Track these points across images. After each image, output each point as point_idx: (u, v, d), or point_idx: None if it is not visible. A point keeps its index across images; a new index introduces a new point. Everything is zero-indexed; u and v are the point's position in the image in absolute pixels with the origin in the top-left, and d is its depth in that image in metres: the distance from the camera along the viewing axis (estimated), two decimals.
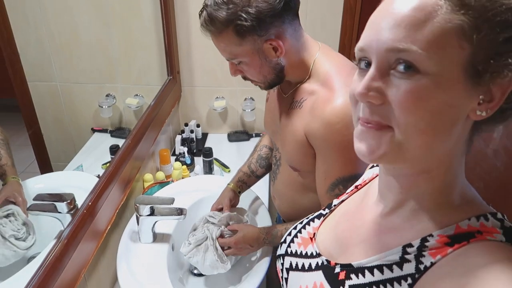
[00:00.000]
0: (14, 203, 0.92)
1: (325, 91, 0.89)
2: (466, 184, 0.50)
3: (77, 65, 1.36)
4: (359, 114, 0.47)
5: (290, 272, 0.65)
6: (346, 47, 1.86)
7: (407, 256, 0.47)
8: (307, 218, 0.71)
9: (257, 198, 1.43)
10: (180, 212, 1.18)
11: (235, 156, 1.93)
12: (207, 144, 2.02)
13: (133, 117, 1.64)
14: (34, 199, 0.92)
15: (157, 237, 1.23)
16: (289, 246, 0.68)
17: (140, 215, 1.16)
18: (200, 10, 0.89)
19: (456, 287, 0.40)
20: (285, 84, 1.01)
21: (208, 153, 1.70)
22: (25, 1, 1.07)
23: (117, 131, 1.52)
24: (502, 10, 0.39)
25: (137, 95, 1.69)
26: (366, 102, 0.44)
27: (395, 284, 0.47)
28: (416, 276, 0.45)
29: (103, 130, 1.48)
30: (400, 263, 0.48)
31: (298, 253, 0.65)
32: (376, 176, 0.62)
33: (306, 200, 1.08)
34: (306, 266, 0.62)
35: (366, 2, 1.83)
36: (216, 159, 1.83)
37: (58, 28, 1.24)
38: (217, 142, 2.02)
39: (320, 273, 0.58)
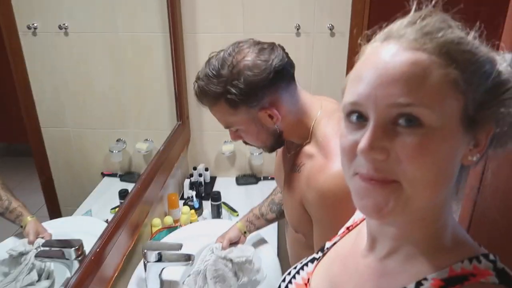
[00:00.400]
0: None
1: (321, 158, 0.85)
2: (456, 225, 0.50)
3: (89, 111, 1.40)
4: (359, 170, 0.45)
5: None
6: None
7: None
8: (300, 263, 0.70)
9: (264, 241, 1.41)
10: (188, 258, 1.17)
11: (243, 199, 1.92)
12: (215, 188, 2.02)
13: (142, 161, 1.65)
14: (42, 245, 0.92)
15: (165, 285, 1.20)
16: None
17: (147, 262, 1.14)
18: (194, 82, 0.90)
19: None
20: (289, 142, 1.00)
21: (216, 197, 1.70)
22: (43, 50, 1.12)
23: (126, 175, 1.53)
24: (481, 61, 0.42)
25: (147, 139, 1.71)
26: (370, 159, 0.43)
27: None
28: None
29: (113, 174, 1.50)
30: None
31: None
32: None
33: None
34: None
35: (374, 6, 1.82)
36: (224, 203, 1.82)
37: (73, 75, 1.29)
38: (226, 186, 2.02)
39: None
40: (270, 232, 1.61)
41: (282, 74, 0.85)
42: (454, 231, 0.50)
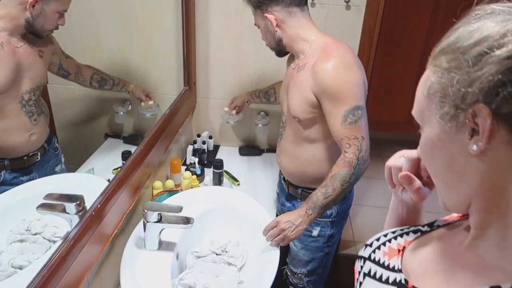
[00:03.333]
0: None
1: (323, 54, 1.19)
2: None
3: None
4: None
5: (366, 278, 0.62)
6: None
7: None
8: (401, 230, 0.67)
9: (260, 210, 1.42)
10: (187, 221, 1.18)
11: (245, 169, 1.93)
12: (218, 156, 2.02)
13: (147, 124, 1.65)
14: (44, 198, 0.92)
15: (162, 245, 1.22)
16: (374, 251, 0.65)
17: (147, 222, 1.16)
18: None
19: None
20: (295, 60, 1.33)
21: (218, 164, 1.70)
22: None
23: (130, 138, 1.54)
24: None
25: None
26: None
27: None
28: None
29: (117, 136, 1.50)
30: None
31: (381, 262, 0.63)
32: None
33: (304, 153, 1.36)
34: (384, 278, 0.59)
35: (385, 25, 1.83)
36: (226, 172, 1.82)
37: (81, 33, 1.27)
38: (228, 155, 2.02)
39: None
40: (269, 202, 1.62)
41: None
42: None
